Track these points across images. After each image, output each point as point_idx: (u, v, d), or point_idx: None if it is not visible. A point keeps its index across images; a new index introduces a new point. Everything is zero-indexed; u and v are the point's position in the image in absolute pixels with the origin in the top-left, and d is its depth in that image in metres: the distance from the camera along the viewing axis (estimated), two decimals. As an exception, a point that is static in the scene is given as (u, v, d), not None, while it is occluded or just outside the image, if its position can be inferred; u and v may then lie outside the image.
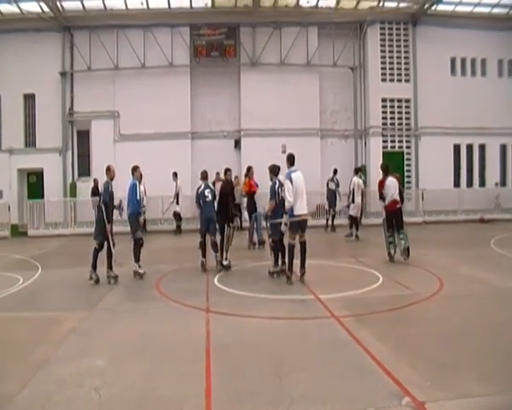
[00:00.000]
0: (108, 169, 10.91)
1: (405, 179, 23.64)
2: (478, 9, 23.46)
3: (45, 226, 20.67)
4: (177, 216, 20.13)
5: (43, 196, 21.72)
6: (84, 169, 22.88)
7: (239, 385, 5.12)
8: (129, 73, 22.64)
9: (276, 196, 10.67)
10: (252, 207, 16.80)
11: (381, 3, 23.00)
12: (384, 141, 23.65)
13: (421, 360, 5.61)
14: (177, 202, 19.96)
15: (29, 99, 22.79)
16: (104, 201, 10.51)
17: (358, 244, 16.01)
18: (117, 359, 5.97)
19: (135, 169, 11.41)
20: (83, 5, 21.77)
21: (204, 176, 12.19)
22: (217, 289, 9.61)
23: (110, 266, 10.71)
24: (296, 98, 22.72)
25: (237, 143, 23.27)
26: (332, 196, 19.86)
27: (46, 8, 21.18)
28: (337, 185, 19.89)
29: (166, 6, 22.19)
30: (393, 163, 22.86)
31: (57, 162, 22.47)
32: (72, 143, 23.05)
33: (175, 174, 19.95)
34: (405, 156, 23.80)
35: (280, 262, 10.82)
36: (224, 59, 23.09)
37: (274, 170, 11.05)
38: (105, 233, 10.51)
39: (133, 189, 11.18)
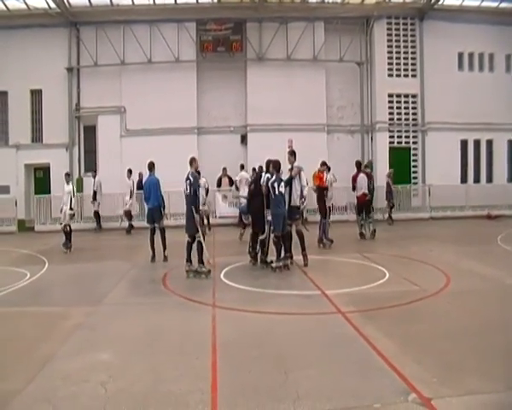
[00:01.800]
0: (194, 160, 11.01)
1: (412, 175, 23.63)
2: (485, 4, 23.28)
3: (52, 221, 20.72)
4: (97, 215, 20.43)
5: (49, 192, 21.74)
6: (91, 164, 22.87)
7: (245, 381, 5.12)
8: (135, 68, 22.64)
9: (272, 190, 10.74)
10: (323, 204, 14.92)
11: (387, -2, 22.93)
12: (391, 136, 23.57)
13: (428, 357, 5.59)
14: (95, 199, 20.36)
15: (36, 95, 22.86)
16: (194, 190, 10.54)
17: (364, 240, 15.91)
18: (123, 353, 5.98)
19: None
20: (89, 1, 21.80)
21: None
22: (223, 285, 9.61)
23: (201, 261, 10.47)
24: (302, 93, 22.66)
25: (244, 139, 23.25)
26: (388, 189, 20.66)
27: (52, 4, 21.22)
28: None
29: (173, 1, 22.21)
30: (400, 159, 23.01)
31: (64, 158, 22.52)
32: (79, 139, 23.16)
33: (94, 171, 20.44)
34: (412, 152, 23.71)
35: (282, 256, 10.86)
36: (231, 54, 23.06)
37: (277, 166, 11.03)
38: (195, 224, 10.46)
39: (157, 184, 12.50)
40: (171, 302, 8.40)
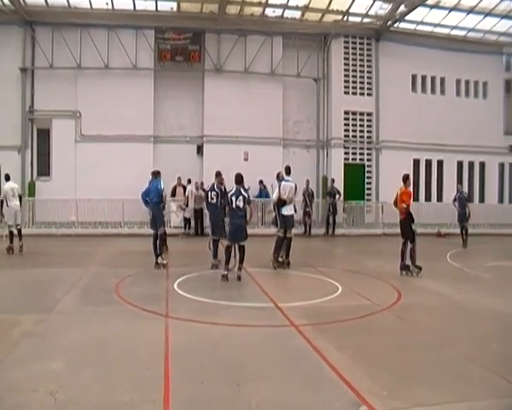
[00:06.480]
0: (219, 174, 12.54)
1: (366, 192, 24.03)
2: (438, 30, 24.20)
3: (1, 226, 20.09)
4: None
5: (-1, 194, 21.08)
6: (44, 168, 22.43)
7: (197, 391, 5.08)
8: (92, 73, 22.36)
9: (230, 203, 11.07)
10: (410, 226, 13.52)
11: (345, 18, 23.37)
12: (346, 153, 24.00)
13: (379, 370, 5.67)
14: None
15: (-13, 94, 22.21)
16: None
17: (318, 254, 16.10)
18: (73, 363, 5.83)
19: (158, 173, 12.94)
20: (45, 0, 21.36)
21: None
22: (177, 295, 9.52)
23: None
24: (259, 107, 22.85)
25: (200, 149, 23.21)
26: (463, 209, 18.98)
27: (7, 1, 20.67)
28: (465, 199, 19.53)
29: (132, 7, 22.03)
30: (354, 175, 23.42)
31: (16, 160, 21.87)
32: (32, 142, 22.59)
33: None
34: (366, 169, 24.17)
35: (230, 266, 10.99)
36: (189, 64, 23.04)
37: (239, 179, 11.27)
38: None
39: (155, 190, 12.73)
40: (124, 311, 8.26)
